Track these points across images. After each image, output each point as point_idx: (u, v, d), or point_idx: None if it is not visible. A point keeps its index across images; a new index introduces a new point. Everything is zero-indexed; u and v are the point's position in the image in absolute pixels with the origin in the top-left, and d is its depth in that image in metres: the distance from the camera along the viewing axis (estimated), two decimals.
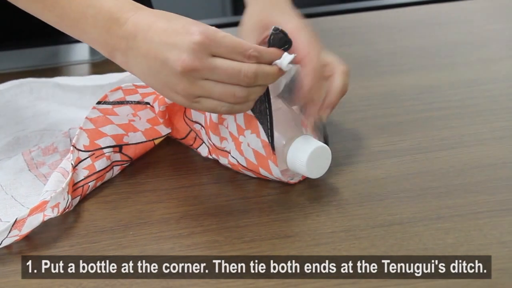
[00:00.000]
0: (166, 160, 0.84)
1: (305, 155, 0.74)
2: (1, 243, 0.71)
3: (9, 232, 0.71)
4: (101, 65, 1.07)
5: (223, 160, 0.81)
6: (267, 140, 0.75)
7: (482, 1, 1.25)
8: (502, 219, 0.72)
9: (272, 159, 0.76)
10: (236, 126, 0.77)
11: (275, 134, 0.76)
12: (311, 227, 0.73)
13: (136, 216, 0.76)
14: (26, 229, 0.71)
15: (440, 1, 1.24)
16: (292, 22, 0.78)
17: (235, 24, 1.27)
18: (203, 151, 0.83)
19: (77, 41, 1.14)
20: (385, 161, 0.82)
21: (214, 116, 0.78)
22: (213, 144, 0.80)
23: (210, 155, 0.82)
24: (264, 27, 0.79)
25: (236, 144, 0.78)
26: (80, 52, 1.13)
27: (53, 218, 0.73)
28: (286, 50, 0.73)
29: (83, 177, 0.78)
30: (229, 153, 0.79)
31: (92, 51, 1.12)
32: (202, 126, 0.81)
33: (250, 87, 0.71)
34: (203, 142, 0.82)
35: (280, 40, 0.73)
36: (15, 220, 0.71)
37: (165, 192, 0.79)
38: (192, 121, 0.82)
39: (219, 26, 1.28)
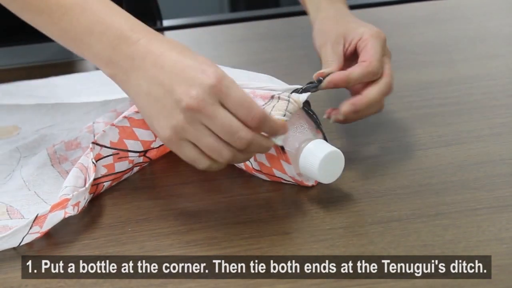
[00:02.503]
0: (165, 157, 0.84)
1: (317, 160, 0.73)
2: (22, 240, 0.71)
3: (30, 228, 0.71)
4: None
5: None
6: None
7: None
8: (500, 215, 0.72)
9: (283, 158, 0.75)
10: None
11: (289, 137, 0.75)
12: (310, 224, 0.73)
13: (135, 213, 0.76)
14: (47, 225, 0.71)
15: None
16: (367, 29, 0.83)
17: (232, 21, 1.28)
18: None
19: None
20: (383, 157, 0.82)
21: None
22: None
23: None
24: (345, 39, 0.83)
25: None
26: None
27: None
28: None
29: (100, 175, 0.78)
30: None
31: None
32: None
33: (238, 151, 0.70)
34: None
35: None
36: (36, 216, 0.71)
37: (164, 189, 0.80)
38: None
39: (216, 23, 1.29)
